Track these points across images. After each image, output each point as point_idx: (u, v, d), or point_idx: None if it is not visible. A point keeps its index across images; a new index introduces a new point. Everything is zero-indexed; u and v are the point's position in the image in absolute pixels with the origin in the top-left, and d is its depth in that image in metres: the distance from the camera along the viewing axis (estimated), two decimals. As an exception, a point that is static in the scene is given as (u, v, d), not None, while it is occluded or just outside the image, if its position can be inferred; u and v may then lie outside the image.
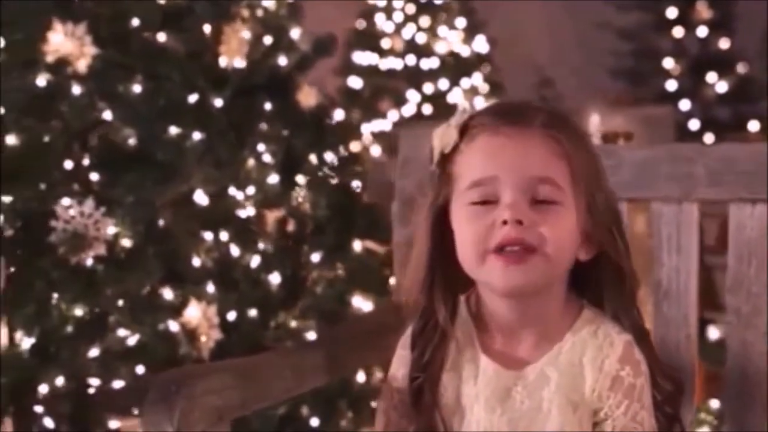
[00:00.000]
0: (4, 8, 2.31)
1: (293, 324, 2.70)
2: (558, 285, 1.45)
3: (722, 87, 7.53)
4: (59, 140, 2.32)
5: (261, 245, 2.60)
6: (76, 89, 2.36)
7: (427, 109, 7.32)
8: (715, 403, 3.07)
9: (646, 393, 1.43)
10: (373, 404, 2.95)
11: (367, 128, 7.06)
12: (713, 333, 4.14)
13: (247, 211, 2.68)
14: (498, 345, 1.45)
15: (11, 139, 2.33)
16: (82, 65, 2.36)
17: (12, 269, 2.24)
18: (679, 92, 7.62)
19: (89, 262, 2.24)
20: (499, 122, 1.41)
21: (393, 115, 7.22)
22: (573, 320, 1.45)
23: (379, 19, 7.37)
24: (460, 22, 7.48)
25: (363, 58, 7.25)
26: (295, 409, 2.56)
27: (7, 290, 2.23)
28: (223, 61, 2.65)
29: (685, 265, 1.88)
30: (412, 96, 7.33)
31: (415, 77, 7.30)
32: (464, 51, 7.47)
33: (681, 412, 1.50)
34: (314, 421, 2.84)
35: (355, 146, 3.01)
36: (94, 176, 2.39)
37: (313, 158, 2.79)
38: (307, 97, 2.88)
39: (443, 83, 7.35)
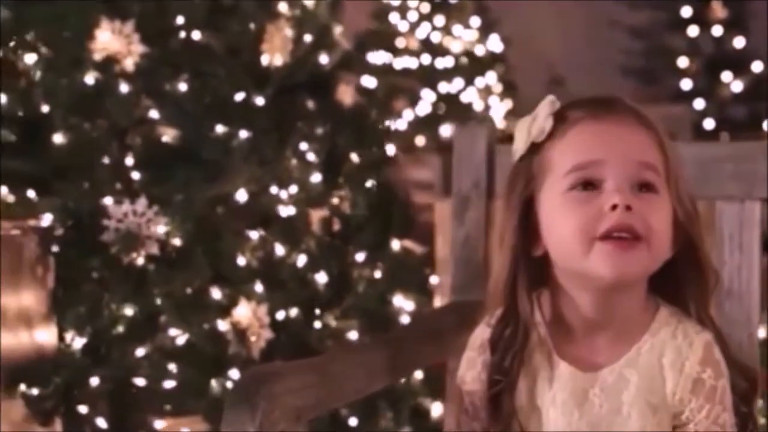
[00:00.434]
0: (52, 6, 2.30)
1: (334, 323, 2.69)
2: (641, 283, 1.42)
3: (737, 86, 7.52)
4: (106, 139, 2.30)
5: (306, 244, 2.59)
6: (124, 87, 2.35)
7: (442, 109, 7.32)
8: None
9: (727, 394, 1.41)
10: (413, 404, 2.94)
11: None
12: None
13: (288, 210, 2.67)
14: (572, 346, 1.42)
15: (59, 138, 2.32)
16: (129, 63, 2.35)
17: (61, 269, 2.23)
18: (693, 91, 7.61)
19: (140, 261, 2.23)
20: (598, 110, 1.40)
21: (408, 115, 7.21)
22: (650, 319, 1.42)
23: (394, 18, 7.36)
24: (475, 21, 7.47)
25: (377, 57, 7.24)
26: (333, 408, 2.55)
27: (56, 290, 2.22)
28: (265, 60, 2.64)
29: (748, 263, 1.86)
30: (427, 95, 7.32)
31: (429, 76, 7.30)
32: (479, 50, 7.46)
33: (755, 410, 1.49)
34: (353, 421, 2.82)
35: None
36: (139, 175, 2.37)
37: (354, 157, 2.78)
38: (344, 96, 2.87)
39: (458, 82, 7.34)
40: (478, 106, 7.43)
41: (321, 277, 2.57)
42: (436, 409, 2.93)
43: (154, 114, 2.40)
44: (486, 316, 1.49)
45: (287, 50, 2.59)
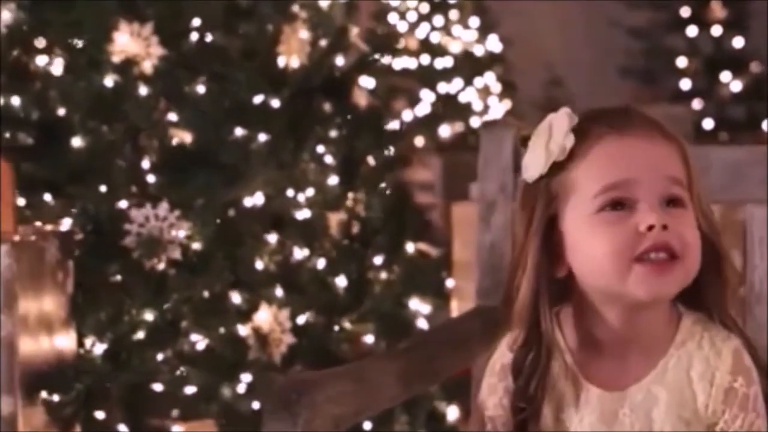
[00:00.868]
0: (70, 8, 2.28)
1: (349, 327, 2.67)
2: None
3: (736, 86, 7.52)
4: (124, 142, 2.28)
5: (321, 248, 2.57)
6: (143, 90, 2.33)
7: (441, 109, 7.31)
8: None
9: (760, 400, 1.37)
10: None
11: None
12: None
13: (304, 213, 2.65)
14: (597, 365, 1.39)
15: (77, 141, 2.30)
16: (147, 66, 2.33)
17: (80, 274, 2.21)
18: (692, 91, 7.61)
19: (161, 266, 2.20)
20: (619, 124, 1.35)
21: (407, 115, 7.19)
22: (674, 330, 1.39)
23: (393, 18, 7.34)
24: (474, 21, 7.46)
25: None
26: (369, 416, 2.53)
27: (75, 295, 2.20)
28: (281, 62, 2.62)
29: (778, 268, 1.85)
30: (426, 95, 7.31)
31: (428, 77, 7.28)
32: (478, 50, 7.45)
33: None
34: (368, 425, 2.81)
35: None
36: (157, 178, 2.35)
37: (370, 160, 2.76)
38: (360, 98, 2.86)
39: (457, 83, 7.33)
40: (477, 106, 7.42)
41: (341, 281, 2.55)
42: (452, 413, 2.92)
43: (172, 117, 2.38)
44: (505, 338, 1.44)
45: (304, 52, 2.57)
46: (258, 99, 2.48)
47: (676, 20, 7.75)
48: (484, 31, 7.48)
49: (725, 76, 7.59)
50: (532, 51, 7.79)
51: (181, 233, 2.23)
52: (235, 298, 2.36)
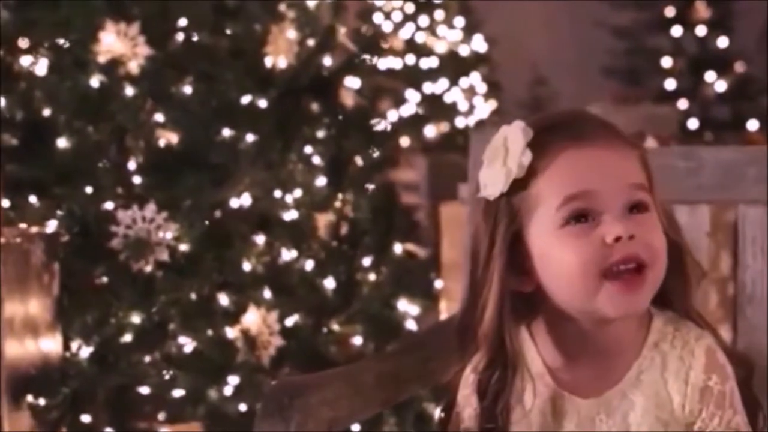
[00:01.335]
0: (56, 8, 2.25)
1: (337, 329, 2.66)
2: None
3: (721, 86, 7.55)
4: (111, 143, 2.26)
5: (309, 249, 2.55)
6: (129, 90, 2.30)
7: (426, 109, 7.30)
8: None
9: (736, 396, 1.37)
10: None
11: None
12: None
13: (291, 214, 2.63)
14: (570, 373, 1.37)
15: (62, 142, 2.27)
16: (134, 66, 2.31)
17: (66, 276, 2.19)
18: (677, 91, 7.63)
19: (148, 268, 2.18)
20: (576, 134, 1.33)
21: (392, 115, 7.18)
22: (646, 331, 1.37)
23: (378, 18, 7.34)
24: (459, 21, 7.46)
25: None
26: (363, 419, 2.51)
27: (61, 298, 2.18)
28: (269, 62, 2.60)
29: (771, 267, 1.84)
30: (411, 96, 7.30)
31: (414, 77, 7.27)
32: (463, 50, 7.45)
33: (757, 394, 1.45)
34: (355, 427, 2.79)
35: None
36: (144, 179, 2.33)
37: (358, 160, 2.74)
38: (346, 98, 2.84)
39: (442, 83, 7.33)
40: (462, 106, 7.42)
41: (329, 283, 2.53)
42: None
43: (159, 117, 2.35)
44: (475, 356, 1.40)
45: (292, 52, 2.55)
46: (246, 99, 2.46)
47: (661, 20, 7.78)
48: (469, 31, 7.48)
49: (710, 75, 7.61)
50: (517, 51, 7.80)
51: (169, 235, 2.21)
52: (223, 300, 2.33)
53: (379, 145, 2.85)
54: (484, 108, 7.46)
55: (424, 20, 7.36)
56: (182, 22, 2.45)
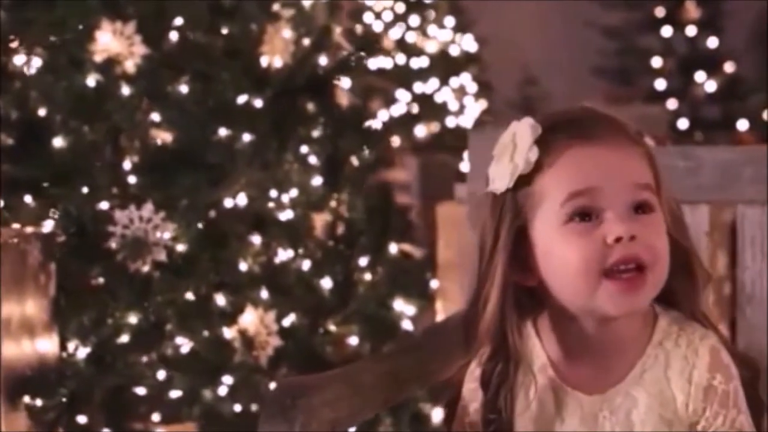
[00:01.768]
0: (51, 7, 2.24)
1: (333, 329, 2.65)
2: None
3: (711, 86, 7.56)
4: (107, 142, 2.25)
5: (306, 249, 2.55)
6: (125, 90, 2.29)
7: (416, 109, 7.29)
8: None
9: (740, 395, 1.37)
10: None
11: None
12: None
13: (288, 214, 2.63)
14: (575, 370, 1.38)
15: (59, 142, 2.26)
16: (130, 65, 2.30)
17: (62, 276, 2.18)
18: (667, 91, 7.64)
19: (145, 268, 2.17)
20: (584, 132, 1.33)
21: (383, 115, 7.18)
22: (651, 330, 1.38)
23: (368, 18, 7.32)
24: (449, 20, 7.45)
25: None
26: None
27: (57, 298, 2.17)
28: (264, 61, 2.59)
29: (770, 267, 1.84)
30: (402, 95, 7.29)
31: (404, 76, 7.26)
32: (453, 50, 7.44)
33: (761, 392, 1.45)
34: (350, 428, 2.78)
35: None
36: (140, 179, 2.32)
37: (353, 160, 2.74)
38: (343, 98, 2.83)
39: (433, 82, 7.32)
40: (453, 106, 7.42)
41: (326, 283, 2.52)
42: (437, 415, 2.90)
43: (155, 117, 2.34)
44: (481, 349, 1.42)
45: (288, 52, 2.55)
46: (242, 99, 2.45)
47: (651, 20, 7.79)
48: (459, 31, 7.48)
49: (700, 76, 7.63)
50: (508, 51, 7.80)
51: (166, 235, 2.20)
52: (220, 300, 2.33)
53: (373, 145, 2.84)
54: (475, 108, 7.45)
55: (414, 20, 7.35)
56: (178, 21, 2.44)
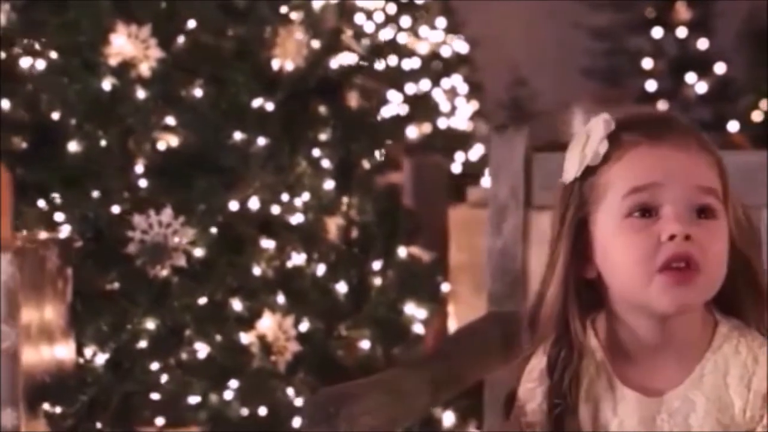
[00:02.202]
0: (65, 10, 2.22)
1: (346, 333, 2.64)
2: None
3: (702, 87, 7.58)
4: (122, 146, 2.23)
5: (320, 253, 2.53)
6: (140, 93, 2.27)
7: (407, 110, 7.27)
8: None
9: None
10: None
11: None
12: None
13: (300, 218, 2.61)
14: (633, 371, 1.38)
15: (73, 146, 2.24)
16: (145, 68, 2.28)
17: (79, 282, 2.15)
18: (658, 92, 7.66)
19: (163, 273, 2.15)
20: (655, 132, 1.35)
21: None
22: (710, 336, 1.38)
23: (360, 18, 7.30)
24: (441, 22, 7.44)
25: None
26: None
27: (74, 304, 2.14)
28: (276, 64, 2.57)
29: (794, 271, 1.84)
30: (394, 97, 7.27)
31: (396, 78, 7.24)
32: (444, 51, 7.43)
33: None
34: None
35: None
36: (156, 183, 2.30)
37: (364, 163, 2.72)
38: (351, 100, 2.82)
39: (424, 83, 7.30)
40: (444, 107, 7.41)
41: (341, 287, 2.51)
42: (448, 418, 2.89)
43: (170, 120, 2.32)
44: (542, 346, 1.43)
45: (301, 55, 2.53)
46: (256, 102, 2.44)
47: (641, 21, 7.80)
48: (450, 32, 7.46)
49: (690, 77, 7.64)
50: (498, 52, 7.80)
51: (185, 240, 2.18)
52: (236, 305, 2.31)
53: (383, 147, 2.83)
54: (466, 109, 7.45)
55: (405, 21, 7.34)
56: (191, 24, 2.42)
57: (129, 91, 2.29)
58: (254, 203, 2.51)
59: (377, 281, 2.66)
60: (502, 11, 7.96)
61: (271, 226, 2.54)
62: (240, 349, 2.27)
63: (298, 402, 2.48)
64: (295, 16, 2.61)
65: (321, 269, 2.48)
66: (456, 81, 7.43)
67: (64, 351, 2.18)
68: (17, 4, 2.33)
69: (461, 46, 7.49)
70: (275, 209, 2.54)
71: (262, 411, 2.46)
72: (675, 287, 1.31)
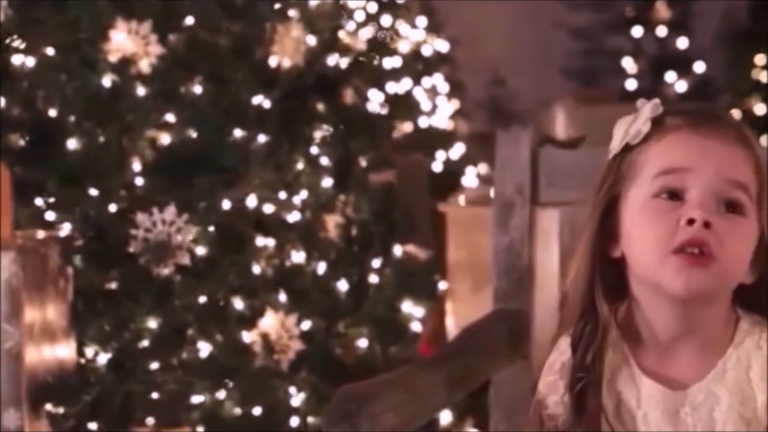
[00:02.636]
0: (64, 6, 2.19)
1: (346, 331, 2.62)
2: (724, 297, 1.39)
3: (681, 86, 7.60)
4: (122, 144, 2.20)
5: (320, 252, 2.51)
6: (141, 90, 2.25)
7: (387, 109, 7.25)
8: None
9: None
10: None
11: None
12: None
13: (294, 216, 2.59)
14: (654, 363, 1.39)
15: (72, 143, 2.21)
16: (145, 65, 2.25)
17: (79, 281, 2.13)
18: (638, 92, 7.67)
19: (165, 271, 2.13)
20: (698, 120, 1.36)
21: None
22: (732, 332, 1.39)
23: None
24: (421, 21, 7.42)
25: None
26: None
27: (75, 303, 2.12)
28: (273, 61, 2.55)
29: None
30: (375, 96, 7.25)
31: (377, 76, 7.22)
32: (426, 50, 7.41)
33: None
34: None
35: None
36: (156, 181, 2.27)
37: (361, 161, 2.71)
38: (348, 98, 2.81)
39: (406, 82, 7.28)
40: (425, 106, 7.39)
41: (342, 285, 2.49)
42: (445, 417, 2.88)
43: (170, 118, 2.30)
44: (563, 337, 1.45)
45: (299, 52, 2.52)
46: (256, 100, 2.42)
47: (621, 21, 7.81)
48: (431, 31, 7.45)
49: (670, 76, 7.66)
50: (478, 51, 7.79)
51: (188, 238, 2.16)
52: (238, 304, 2.29)
53: (380, 144, 2.83)
54: (448, 108, 7.44)
55: (386, 20, 7.31)
56: (189, 20, 2.40)
57: (129, 87, 2.27)
58: (252, 201, 2.49)
59: (376, 280, 2.64)
60: (482, 11, 7.95)
61: (269, 225, 2.52)
62: (242, 348, 2.25)
63: (295, 402, 2.47)
64: (292, 13, 2.59)
65: (321, 267, 2.46)
66: (437, 80, 7.42)
67: (65, 351, 2.16)
68: (15, 2, 2.30)
69: (442, 46, 7.47)
70: (273, 207, 2.52)
71: (261, 411, 2.44)
72: (688, 268, 1.31)
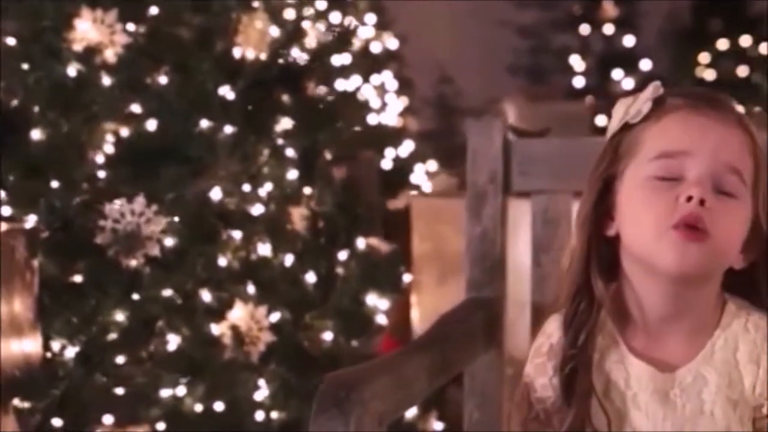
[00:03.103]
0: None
1: (312, 323, 2.61)
2: (714, 279, 1.41)
3: (628, 83, 7.67)
4: (87, 134, 2.17)
5: (286, 244, 2.49)
6: (106, 80, 2.21)
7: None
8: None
9: None
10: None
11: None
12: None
13: (258, 208, 2.57)
14: (643, 344, 1.41)
15: (36, 134, 2.17)
16: (110, 54, 2.22)
17: (45, 273, 2.09)
18: (585, 89, 7.73)
19: (134, 263, 2.10)
20: (698, 101, 1.38)
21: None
22: (719, 314, 1.41)
23: (290, 14, 7.25)
24: (370, 18, 7.41)
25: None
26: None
27: (41, 296, 2.08)
28: (237, 52, 2.53)
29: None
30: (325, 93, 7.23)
31: (326, 74, 7.20)
32: (375, 47, 7.41)
33: None
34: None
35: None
36: (123, 171, 2.24)
37: (326, 154, 2.70)
38: (315, 91, 2.80)
39: (355, 80, 7.27)
40: (375, 103, 7.38)
41: (310, 277, 2.48)
42: (410, 410, 2.87)
43: (135, 108, 2.27)
44: (551, 320, 1.46)
45: (264, 43, 2.49)
46: (223, 90, 2.39)
47: (568, 19, 7.87)
48: (380, 29, 7.44)
49: (617, 74, 7.74)
50: (426, 49, 7.80)
51: (158, 229, 2.13)
52: (206, 296, 2.26)
53: (344, 137, 2.81)
54: (397, 105, 7.44)
55: (336, 17, 7.29)
56: (153, 10, 2.37)
57: (94, 77, 2.23)
58: (216, 193, 2.47)
59: (339, 272, 2.63)
60: (430, 8, 7.97)
61: (235, 217, 2.50)
62: (211, 340, 2.23)
63: (259, 396, 2.45)
64: (257, 4, 2.57)
65: (289, 260, 2.45)
66: (386, 77, 7.41)
67: (31, 345, 2.12)
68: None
69: (391, 43, 7.47)
70: (238, 199, 2.50)
71: (224, 406, 2.42)
72: (685, 243, 1.33)
